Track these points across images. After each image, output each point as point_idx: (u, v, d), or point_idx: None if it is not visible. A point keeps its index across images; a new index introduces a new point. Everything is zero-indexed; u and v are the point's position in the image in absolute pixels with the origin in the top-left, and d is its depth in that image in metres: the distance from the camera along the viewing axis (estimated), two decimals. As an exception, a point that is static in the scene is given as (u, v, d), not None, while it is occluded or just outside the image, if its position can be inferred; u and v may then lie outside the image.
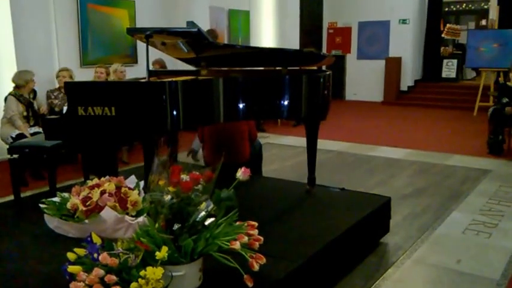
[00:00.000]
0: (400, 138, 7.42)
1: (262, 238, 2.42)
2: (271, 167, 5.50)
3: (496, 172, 5.34)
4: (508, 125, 6.06)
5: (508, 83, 6.46)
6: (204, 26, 7.35)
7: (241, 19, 9.82)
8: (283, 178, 4.40)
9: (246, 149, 4.16)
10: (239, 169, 2.57)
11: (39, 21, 5.86)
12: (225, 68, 4.26)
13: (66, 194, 2.76)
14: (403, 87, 11.70)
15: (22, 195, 3.88)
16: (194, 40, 3.48)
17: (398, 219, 3.89)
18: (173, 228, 2.34)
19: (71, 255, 2.17)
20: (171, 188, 2.48)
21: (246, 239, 2.36)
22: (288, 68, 3.89)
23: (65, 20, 6.79)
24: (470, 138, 7.12)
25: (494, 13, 10.25)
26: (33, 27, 5.76)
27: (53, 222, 2.72)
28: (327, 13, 12.41)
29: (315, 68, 4.13)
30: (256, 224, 2.50)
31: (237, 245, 2.26)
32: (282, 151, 6.57)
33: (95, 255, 2.11)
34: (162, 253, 2.11)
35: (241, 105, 3.40)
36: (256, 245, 2.40)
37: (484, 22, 11.59)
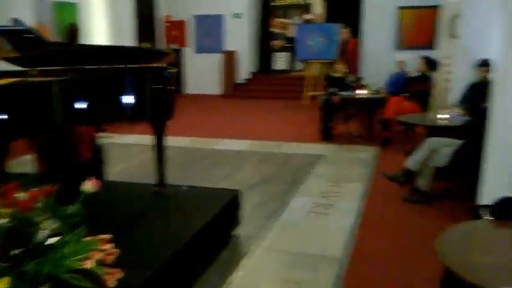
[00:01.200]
0: (241, 130, 7.74)
1: (116, 251, 2.30)
2: (116, 168, 5.26)
3: (329, 156, 5.91)
4: (336, 113, 6.75)
5: (333, 74, 7.19)
6: (29, 21, 6.61)
7: (68, 13, 9.05)
8: (130, 178, 4.24)
9: (84, 152, 3.89)
10: (85, 181, 2.39)
11: None
12: (60, 68, 3.90)
13: None
14: (240, 79, 12.20)
15: None
16: (19, 38, 3.11)
17: (247, 210, 4.04)
18: (12, 254, 2.09)
19: None
20: (3, 210, 2.20)
21: (99, 255, 2.22)
22: (129, 66, 3.74)
23: None
24: (304, 126, 7.74)
25: (318, 8, 11.27)
26: None
27: None
28: (163, 6, 12.22)
29: (157, 65, 4.04)
30: (108, 237, 2.36)
31: (89, 264, 2.11)
32: (126, 150, 6.32)
33: None
34: (2, 285, 1.87)
35: (76, 110, 3.15)
36: (111, 259, 2.28)
37: (308, 16, 12.65)
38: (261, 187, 4.76)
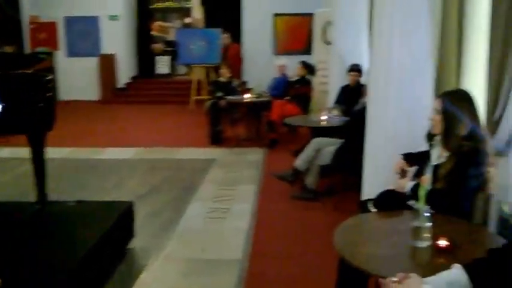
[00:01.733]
0: (126, 137, 7.45)
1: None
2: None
3: (219, 160, 5.95)
4: (224, 117, 6.81)
5: (219, 78, 7.26)
6: None
7: None
8: (4, 197, 3.82)
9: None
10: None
11: None
12: None
13: None
14: (120, 84, 11.72)
15: None
16: None
17: (140, 221, 3.88)
18: None
19: None
20: None
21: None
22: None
23: None
24: (192, 131, 7.68)
25: (197, 12, 11.26)
26: None
27: None
28: (29, 6, 11.22)
29: (30, 71, 3.70)
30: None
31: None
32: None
33: None
34: None
35: None
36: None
37: (188, 20, 12.60)
38: (154, 196, 4.63)
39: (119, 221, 3.33)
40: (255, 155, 6.11)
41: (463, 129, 2.29)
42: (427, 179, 2.33)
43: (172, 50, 12.00)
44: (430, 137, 2.56)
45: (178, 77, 12.48)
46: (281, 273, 3.11)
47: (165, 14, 13.79)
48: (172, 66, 12.62)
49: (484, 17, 2.64)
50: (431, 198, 2.15)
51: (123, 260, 3.29)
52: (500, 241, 1.93)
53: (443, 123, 2.36)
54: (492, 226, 2.48)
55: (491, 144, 2.45)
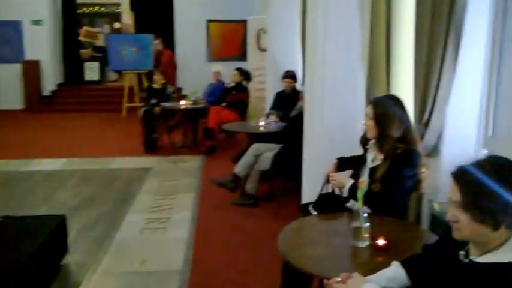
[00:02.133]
0: (54, 147, 7.07)
1: None
2: None
3: (155, 169, 5.79)
4: (159, 124, 6.66)
5: (153, 85, 7.10)
6: None
7: None
8: None
9: None
10: None
11: None
12: None
13: None
14: (46, 92, 11.12)
15: None
16: None
17: (73, 235, 3.70)
18: None
19: None
20: None
21: None
22: None
23: None
24: (126, 140, 7.44)
25: (127, 17, 10.99)
26: None
27: None
28: None
29: None
30: None
31: None
32: None
33: None
34: None
35: None
36: None
37: (117, 25, 12.26)
38: (87, 208, 4.42)
39: (51, 236, 3.15)
40: (192, 163, 6.03)
41: (396, 132, 2.39)
42: (364, 181, 2.40)
43: (101, 56, 11.60)
44: (364, 141, 2.65)
45: (108, 84, 12.08)
46: (224, 282, 3.08)
47: (93, 19, 13.35)
48: (102, 73, 12.19)
49: (411, 22, 2.78)
50: (369, 200, 2.22)
51: (57, 277, 3.11)
52: (433, 237, 2.03)
53: (377, 127, 2.44)
54: (425, 224, 2.62)
55: (423, 145, 2.59)
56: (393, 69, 3.35)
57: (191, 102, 6.79)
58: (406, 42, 3.13)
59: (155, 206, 4.50)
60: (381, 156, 2.45)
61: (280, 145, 4.45)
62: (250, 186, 4.42)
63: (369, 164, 2.54)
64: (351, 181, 2.51)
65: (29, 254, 2.80)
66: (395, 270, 1.61)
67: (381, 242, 1.97)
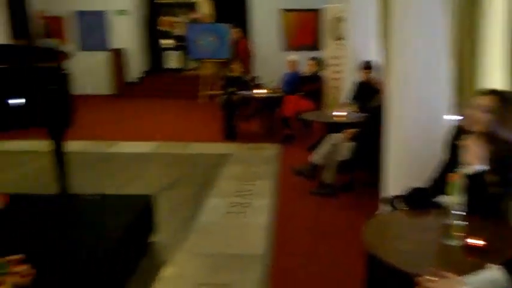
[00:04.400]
0: (140, 131, 7.46)
1: (33, 272, 2.12)
2: (3, 176, 4.75)
3: (235, 155, 5.94)
4: (238, 112, 6.81)
5: (230, 73, 7.26)
6: None
7: None
8: (22, 189, 3.88)
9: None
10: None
11: None
12: None
13: None
14: (131, 78, 11.74)
15: None
16: None
17: (161, 215, 3.92)
18: None
19: None
20: None
21: (13, 278, 2.03)
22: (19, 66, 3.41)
23: None
24: (206, 126, 7.66)
25: (206, 7, 11.24)
26: None
27: None
28: (37, 1, 11.21)
29: (52, 65, 3.72)
30: (20, 257, 2.16)
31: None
32: (16, 157, 5.74)
33: None
34: None
35: None
36: (28, 281, 2.09)
37: (196, 15, 12.57)
38: (171, 190, 4.65)
39: (140, 214, 3.37)
40: (270, 151, 6.12)
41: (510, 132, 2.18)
42: (460, 174, 2.24)
43: (182, 44, 12.00)
44: (461, 132, 2.43)
45: (188, 72, 12.47)
46: (306, 270, 3.13)
47: (173, 9, 13.78)
48: (183, 61, 12.62)
49: (501, 13, 2.61)
50: (479, 205, 2.10)
51: (145, 255, 3.32)
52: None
53: (492, 122, 2.21)
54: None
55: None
56: (482, 62, 3.18)
57: (268, 91, 6.87)
58: (494, 32, 2.95)
59: (236, 190, 4.63)
60: (480, 153, 2.19)
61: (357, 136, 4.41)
62: (327, 176, 4.43)
63: (466, 161, 2.33)
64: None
65: (122, 229, 3.02)
66: (496, 274, 1.50)
67: (477, 242, 1.88)
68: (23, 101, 3.26)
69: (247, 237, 3.62)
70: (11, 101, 3.14)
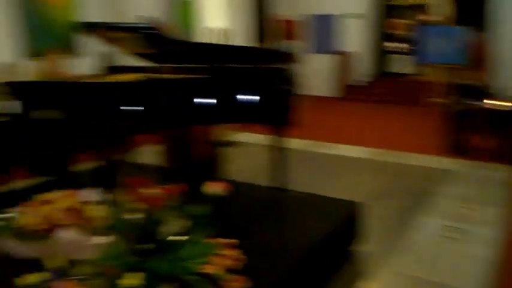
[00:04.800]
0: (357, 135, 7.39)
1: (243, 258, 2.23)
2: (234, 167, 5.23)
3: (458, 173, 5.34)
4: (471, 124, 6.08)
5: (465, 81, 6.56)
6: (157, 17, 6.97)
7: (183, 9, 9.34)
8: (246, 179, 4.15)
9: (199, 151, 3.92)
10: (209, 183, 2.35)
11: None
12: (186, 66, 3.97)
13: (15, 212, 2.41)
14: (356, 82, 11.78)
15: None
16: (147, 35, 3.21)
17: (367, 224, 3.75)
18: (141, 249, 2.09)
19: (23, 281, 1.88)
20: (136, 204, 2.22)
21: (226, 261, 2.16)
22: (253, 66, 3.69)
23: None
24: (425, 136, 7.14)
25: (443, 9, 10.48)
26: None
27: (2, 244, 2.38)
28: (276, 5, 12.19)
29: (281, 66, 3.92)
30: (235, 241, 2.28)
31: (213, 269, 2.05)
32: (245, 149, 6.34)
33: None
34: (133, 280, 1.86)
35: (196, 108, 3.18)
36: (238, 265, 2.21)
37: (431, 17, 11.82)
38: (381, 200, 4.43)
39: (346, 220, 3.28)
40: (501, 173, 5.28)
41: None
42: None
43: (408, 47, 11.48)
44: None
45: (414, 77, 11.85)
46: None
47: (402, 10, 13.26)
48: (408, 65, 12.06)
49: None
50: None
51: (346, 262, 3.22)
52: None
53: None
54: None
55: None
56: None
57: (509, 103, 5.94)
58: None
59: (455, 213, 4.14)
60: None
61: None
62: None
63: None
64: None
65: (326, 231, 2.98)
66: None
67: None
68: (255, 98, 3.50)
69: (462, 268, 3.17)
70: (239, 97, 3.41)
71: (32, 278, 1.89)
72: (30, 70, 5.66)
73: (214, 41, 8.27)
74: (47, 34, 6.83)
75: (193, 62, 3.88)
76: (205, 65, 3.71)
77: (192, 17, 9.35)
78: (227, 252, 2.24)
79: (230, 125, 5.78)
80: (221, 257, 2.20)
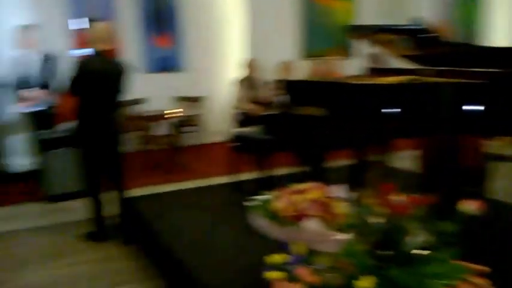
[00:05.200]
0: None
1: (491, 288, 1.95)
2: (497, 183, 4.60)
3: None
4: None
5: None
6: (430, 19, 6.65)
7: (467, 10, 8.53)
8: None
9: (466, 160, 3.56)
10: (467, 200, 2.12)
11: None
12: (457, 69, 3.66)
13: (269, 195, 2.69)
14: None
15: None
16: (418, 37, 3.08)
17: None
18: (380, 255, 2.05)
19: (271, 260, 2.10)
20: (380, 208, 2.19)
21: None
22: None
23: (286, 12, 7.03)
24: None
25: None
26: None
27: (257, 221, 2.70)
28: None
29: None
30: (484, 269, 2.02)
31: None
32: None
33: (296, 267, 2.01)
34: (367, 283, 1.84)
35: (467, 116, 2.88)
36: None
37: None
38: None
39: None
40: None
41: None
42: None
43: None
44: None
45: None
46: None
47: None
48: None
49: None
50: None
51: None
52: None
53: None
54: None
55: None
56: None
57: None
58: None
59: None
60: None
61: None
62: None
63: None
64: None
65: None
66: None
67: None
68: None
69: None
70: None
71: (277, 258, 2.08)
72: (305, 69, 6.20)
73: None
74: (325, 36, 7.38)
75: (471, 65, 3.53)
76: (484, 70, 3.33)
77: (478, 16, 8.55)
78: (476, 279, 2.00)
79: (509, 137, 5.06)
80: (468, 284, 1.98)
